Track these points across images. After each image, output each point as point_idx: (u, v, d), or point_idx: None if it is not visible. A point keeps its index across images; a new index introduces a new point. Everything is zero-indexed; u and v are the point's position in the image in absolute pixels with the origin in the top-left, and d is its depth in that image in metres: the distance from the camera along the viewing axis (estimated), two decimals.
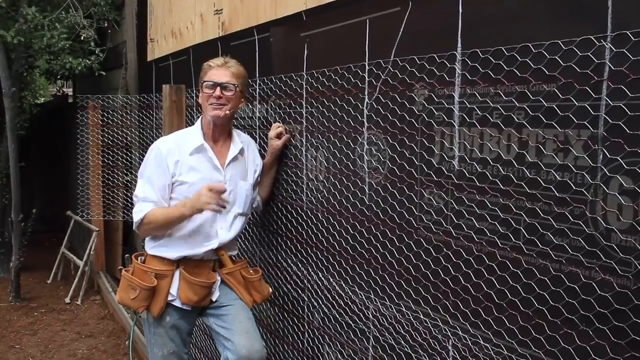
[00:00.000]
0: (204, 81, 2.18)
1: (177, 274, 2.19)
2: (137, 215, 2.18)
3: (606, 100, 1.13)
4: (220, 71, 2.18)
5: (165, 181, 2.16)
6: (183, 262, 2.19)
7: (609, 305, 1.14)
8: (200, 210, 2.08)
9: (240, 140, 2.30)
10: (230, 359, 2.12)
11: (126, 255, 5.27)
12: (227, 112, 2.18)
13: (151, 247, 2.23)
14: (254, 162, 2.34)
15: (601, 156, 1.14)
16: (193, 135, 2.23)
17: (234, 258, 2.34)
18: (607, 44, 1.12)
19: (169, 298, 2.19)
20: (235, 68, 2.20)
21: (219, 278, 2.25)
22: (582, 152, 1.17)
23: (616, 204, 1.12)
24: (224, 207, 2.08)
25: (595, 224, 1.16)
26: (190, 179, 2.17)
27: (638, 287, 1.09)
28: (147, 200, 2.17)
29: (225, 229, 2.23)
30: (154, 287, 2.15)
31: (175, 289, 2.19)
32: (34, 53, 4.82)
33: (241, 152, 2.28)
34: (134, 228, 2.24)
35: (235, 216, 2.26)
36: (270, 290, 2.34)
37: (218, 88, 2.15)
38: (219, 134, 2.24)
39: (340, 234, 1.96)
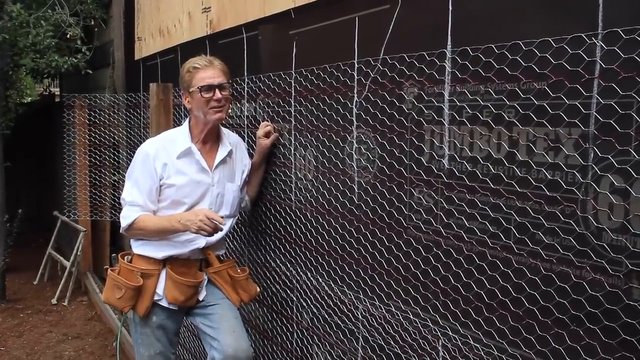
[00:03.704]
0: (201, 86, 2.11)
1: (163, 273, 2.17)
2: (124, 220, 2.16)
3: (597, 98, 1.12)
4: (210, 71, 2.13)
5: (153, 184, 2.14)
6: (169, 262, 2.17)
7: (599, 305, 1.13)
8: (193, 233, 2.07)
9: (229, 141, 2.28)
10: (217, 359, 2.10)
11: (112, 255, 5.23)
12: (228, 111, 2.17)
13: (137, 247, 2.21)
14: (242, 163, 2.32)
15: (592, 155, 1.13)
16: (180, 137, 2.20)
17: (221, 257, 2.32)
18: (598, 41, 1.11)
19: (156, 298, 2.17)
20: (221, 65, 2.17)
21: (205, 277, 2.23)
22: (573, 151, 1.17)
23: (607, 203, 1.11)
24: (215, 233, 2.07)
25: (586, 223, 1.16)
26: (178, 181, 2.15)
27: (629, 286, 1.08)
28: (133, 204, 2.15)
29: None
30: (139, 286, 2.13)
31: (162, 289, 2.17)
32: (19, 51, 4.75)
33: (229, 154, 2.25)
34: (121, 231, 2.22)
35: (223, 218, 2.24)
36: (258, 289, 2.32)
37: (217, 90, 2.11)
38: (209, 135, 2.21)
39: (329, 233, 1.95)
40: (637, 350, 1.07)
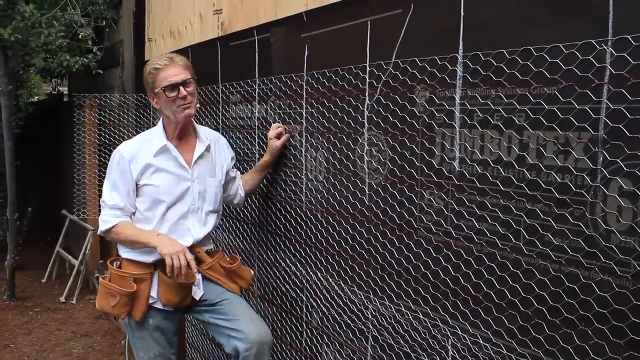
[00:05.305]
0: (164, 87, 2.12)
1: (155, 275, 2.18)
2: (104, 223, 2.18)
3: (607, 103, 1.14)
4: (172, 69, 2.14)
5: (129, 187, 2.17)
6: (160, 264, 2.15)
7: (608, 306, 1.15)
8: (163, 254, 2.06)
9: (206, 137, 2.30)
10: (240, 348, 2.09)
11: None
12: (197, 105, 2.19)
13: (126, 252, 2.22)
14: (221, 158, 2.35)
15: (601, 158, 1.16)
16: (156, 136, 2.22)
17: (210, 252, 2.33)
18: (608, 47, 1.13)
19: (150, 301, 2.17)
20: (182, 60, 2.18)
21: (199, 276, 2.23)
22: (582, 155, 1.19)
23: (616, 206, 1.14)
24: (179, 272, 2.06)
25: (595, 225, 1.18)
26: (157, 181, 2.17)
27: (637, 287, 1.11)
28: (115, 207, 2.18)
29: (198, 226, 2.24)
30: (133, 292, 2.13)
31: (155, 291, 2.17)
32: (30, 51, 4.80)
33: (208, 149, 2.28)
34: (98, 233, 2.25)
35: (207, 213, 2.27)
36: (252, 272, 2.35)
37: (181, 87, 2.13)
38: (183, 131, 2.24)
39: (339, 234, 1.97)
40: None
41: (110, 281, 2.16)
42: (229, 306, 2.20)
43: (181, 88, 2.13)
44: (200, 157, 2.25)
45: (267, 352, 2.13)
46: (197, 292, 2.22)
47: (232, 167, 2.42)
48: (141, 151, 2.18)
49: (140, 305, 2.15)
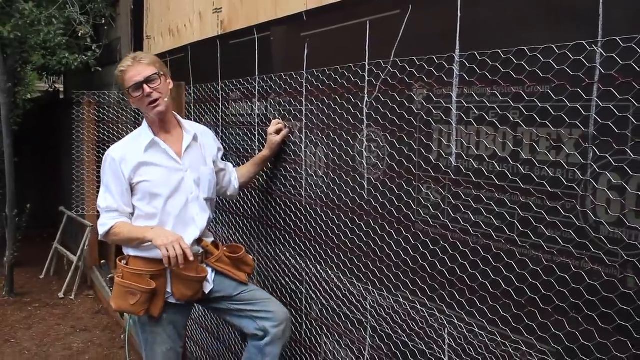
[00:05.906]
0: (127, 88, 2.18)
1: (168, 271, 2.20)
2: (102, 227, 2.22)
3: (596, 101, 1.20)
4: (135, 70, 2.17)
5: (123, 187, 2.20)
6: None
7: (597, 293, 1.21)
8: (157, 245, 2.07)
9: (192, 128, 2.35)
10: (269, 326, 2.18)
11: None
12: (166, 100, 2.21)
13: (133, 250, 2.22)
14: (210, 149, 2.40)
15: (591, 154, 1.22)
16: (143, 134, 2.26)
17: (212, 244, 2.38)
18: (598, 49, 1.19)
19: (165, 296, 2.21)
20: (146, 58, 2.22)
21: (209, 270, 2.28)
22: (573, 150, 1.25)
23: (605, 199, 1.20)
24: (176, 262, 2.06)
25: (585, 217, 1.24)
26: (150, 176, 2.21)
27: (624, 276, 1.17)
28: (109, 210, 2.21)
29: (201, 214, 2.28)
30: (153, 288, 2.16)
31: (169, 286, 2.21)
32: (28, 49, 4.83)
33: (195, 138, 2.33)
34: (99, 238, 2.28)
35: (204, 200, 2.32)
36: (252, 256, 2.42)
37: (144, 85, 2.16)
38: (167, 125, 2.28)
39: (339, 227, 2.03)
40: (632, 335, 1.16)
41: (124, 279, 2.17)
42: (249, 293, 2.28)
43: (145, 86, 2.16)
44: (189, 147, 2.30)
45: (290, 327, 2.26)
46: (207, 286, 2.27)
47: (220, 159, 2.47)
48: (130, 150, 2.22)
49: (158, 302, 2.18)
